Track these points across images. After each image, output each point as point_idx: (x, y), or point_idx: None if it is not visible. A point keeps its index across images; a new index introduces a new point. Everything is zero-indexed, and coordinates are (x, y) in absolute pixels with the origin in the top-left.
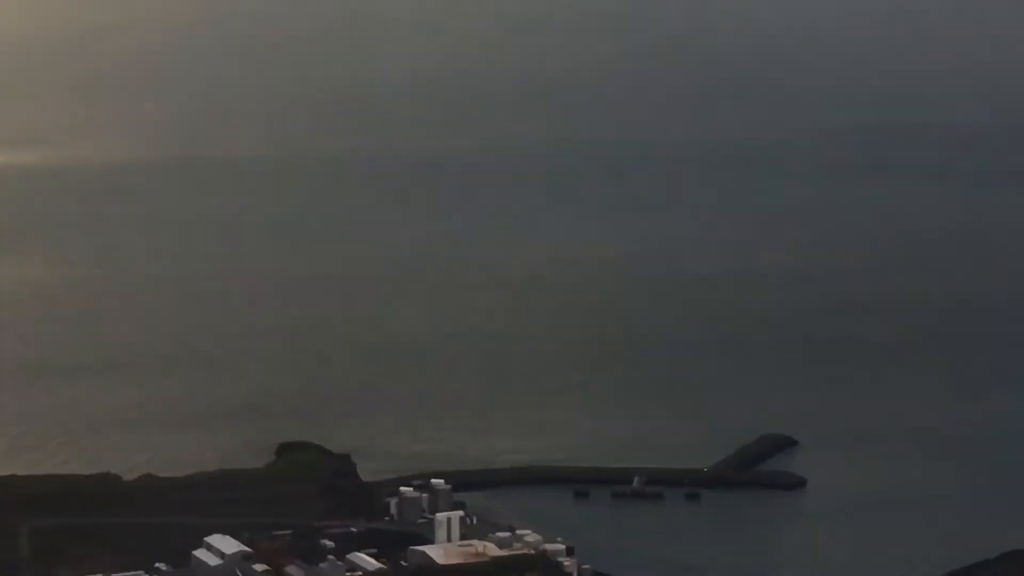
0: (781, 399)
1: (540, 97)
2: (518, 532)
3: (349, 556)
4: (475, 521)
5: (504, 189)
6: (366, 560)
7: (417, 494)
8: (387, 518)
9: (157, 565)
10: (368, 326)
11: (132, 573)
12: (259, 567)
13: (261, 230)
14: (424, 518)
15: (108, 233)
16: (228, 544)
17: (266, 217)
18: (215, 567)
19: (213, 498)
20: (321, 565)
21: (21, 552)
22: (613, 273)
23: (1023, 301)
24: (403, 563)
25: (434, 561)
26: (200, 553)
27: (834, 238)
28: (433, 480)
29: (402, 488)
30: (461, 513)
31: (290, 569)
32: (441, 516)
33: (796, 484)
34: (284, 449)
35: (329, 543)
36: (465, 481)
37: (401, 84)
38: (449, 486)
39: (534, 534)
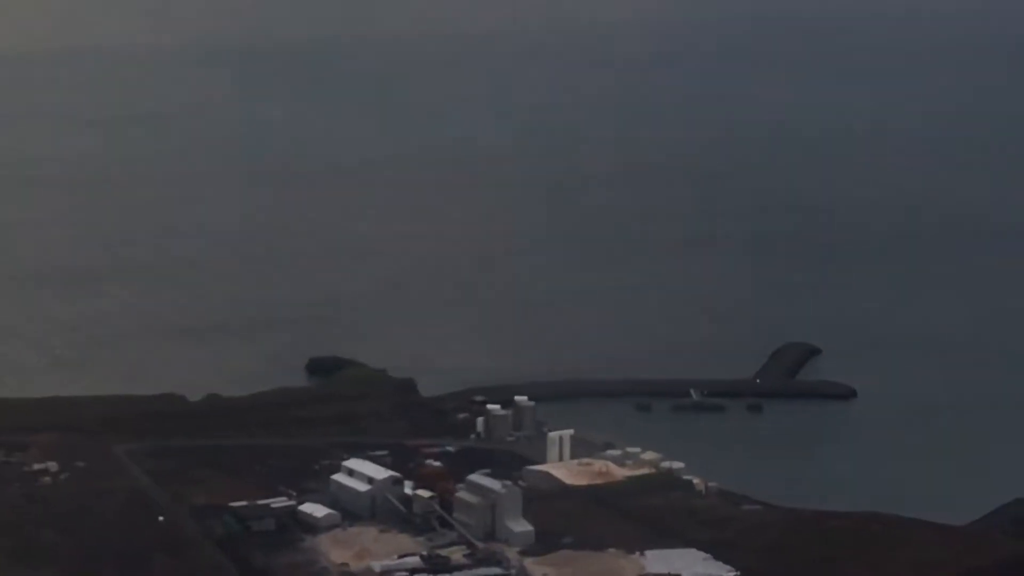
0: (782, 302)
1: None
2: (628, 449)
3: (471, 478)
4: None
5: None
6: (491, 482)
7: (505, 411)
8: (473, 436)
9: (283, 489)
10: (338, 229)
11: (279, 499)
12: (422, 492)
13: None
14: (511, 435)
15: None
16: (371, 468)
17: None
18: (364, 492)
19: (283, 418)
20: (496, 488)
21: (136, 476)
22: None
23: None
24: (521, 483)
25: (562, 482)
26: (341, 478)
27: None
28: (516, 397)
29: (489, 405)
30: (572, 431)
31: (462, 494)
32: (553, 434)
33: (848, 394)
34: (316, 365)
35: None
36: (516, 395)
37: None
38: (533, 403)
39: (650, 452)
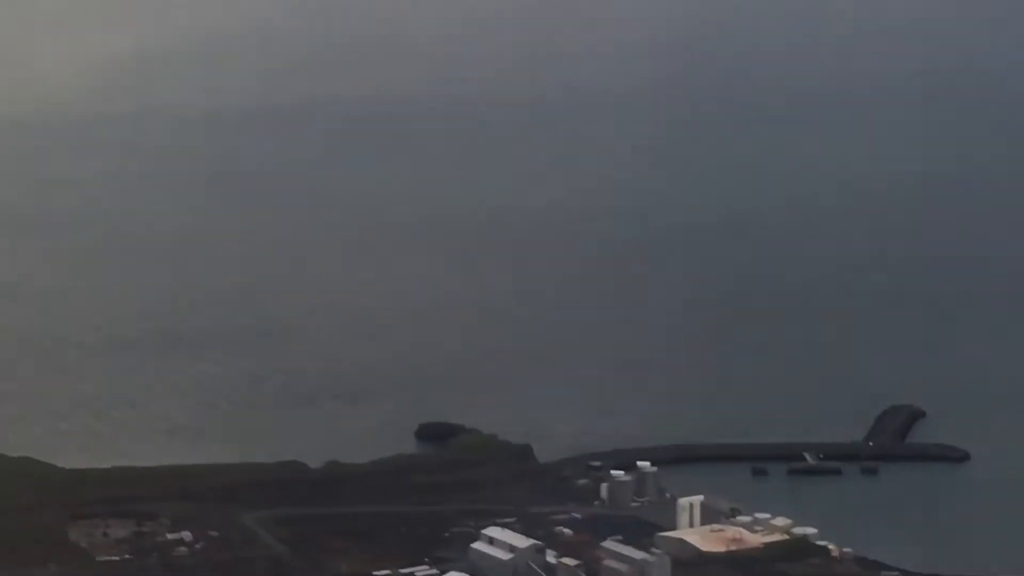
0: (883, 363)
1: None
2: (758, 515)
3: (605, 545)
4: None
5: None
6: (626, 549)
7: (628, 477)
8: (597, 503)
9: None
10: (422, 290)
11: (421, 568)
12: (568, 560)
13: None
14: (635, 501)
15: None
16: (511, 536)
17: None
18: (507, 561)
19: (404, 485)
20: (645, 558)
21: (271, 545)
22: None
23: None
24: (654, 551)
25: (697, 548)
26: (481, 546)
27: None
28: (639, 463)
29: (612, 471)
30: (702, 497)
31: (608, 562)
32: (683, 500)
33: (961, 457)
34: (426, 431)
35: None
36: (629, 459)
37: None
38: (655, 468)
39: (780, 517)
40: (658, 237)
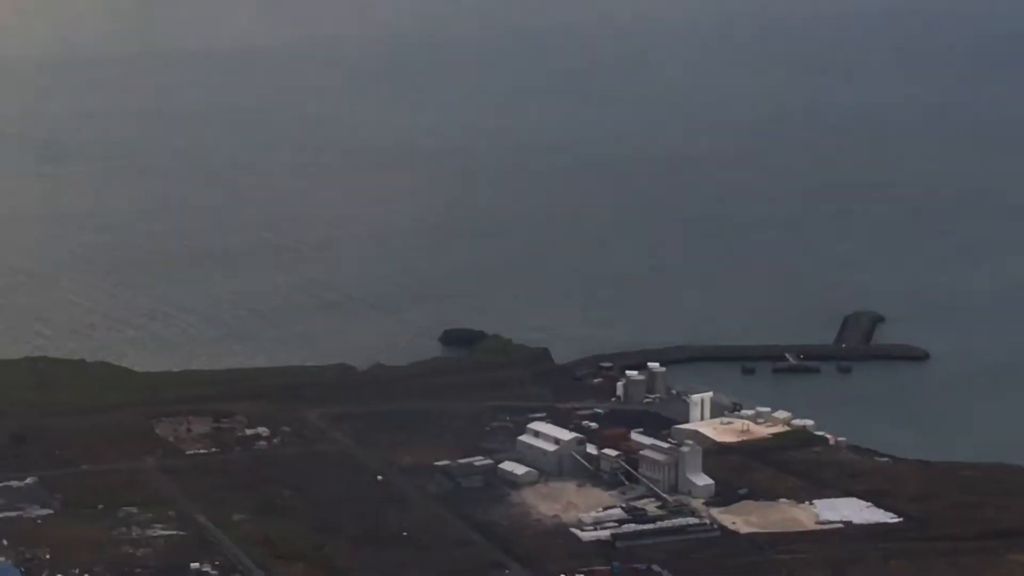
0: (842, 275)
1: None
2: (760, 409)
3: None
4: None
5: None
6: (646, 439)
7: (641, 376)
8: (613, 399)
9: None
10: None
11: (478, 458)
12: (609, 451)
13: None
14: (647, 397)
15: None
16: (554, 429)
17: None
18: (552, 452)
19: (442, 385)
20: (680, 446)
21: (339, 439)
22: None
23: None
24: (671, 441)
25: (712, 439)
26: (527, 438)
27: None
28: (649, 363)
29: (627, 371)
30: (711, 393)
31: (645, 452)
32: (696, 396)
33: (922, 355)
34: (450, 336)
35: (593, 424)
36: (632, 360)
37: None
38: (664, 368)
39: (781, 411)
40: (626, 167)
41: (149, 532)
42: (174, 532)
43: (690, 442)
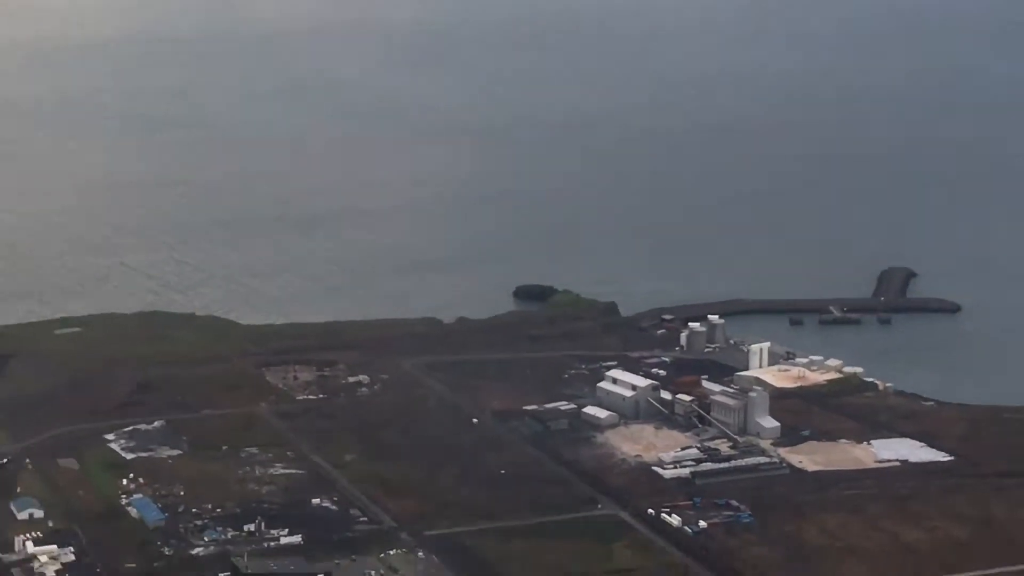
0: (875, 233)
1: None
2: (812, 357)
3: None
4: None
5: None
6: (713, 386)
7: (702, 328)
8: (677, 349)
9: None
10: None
11: (562, 403)
12: (684, 396)
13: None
14: (708, 347)
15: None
16: (630, 376)
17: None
18: (630, 397)
19: (520, 336)
20: (748, 393)
21: (433, 386)
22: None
23: None
24: (733, 387)
25: (772, 385)
26: (606, 385)
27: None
28: (709, 316)
29: (690, 323)
30: (768, 343)
31: (717, 398)
32: (755, 346)
33: (954, 308)
34: (523, 291)
35: (662, 372)
36: (692, 313)
37: None
38: (723, 320)
39: (833, 359)
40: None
41: (271, 471)
42: (293, 471)
43: (759, 388)
